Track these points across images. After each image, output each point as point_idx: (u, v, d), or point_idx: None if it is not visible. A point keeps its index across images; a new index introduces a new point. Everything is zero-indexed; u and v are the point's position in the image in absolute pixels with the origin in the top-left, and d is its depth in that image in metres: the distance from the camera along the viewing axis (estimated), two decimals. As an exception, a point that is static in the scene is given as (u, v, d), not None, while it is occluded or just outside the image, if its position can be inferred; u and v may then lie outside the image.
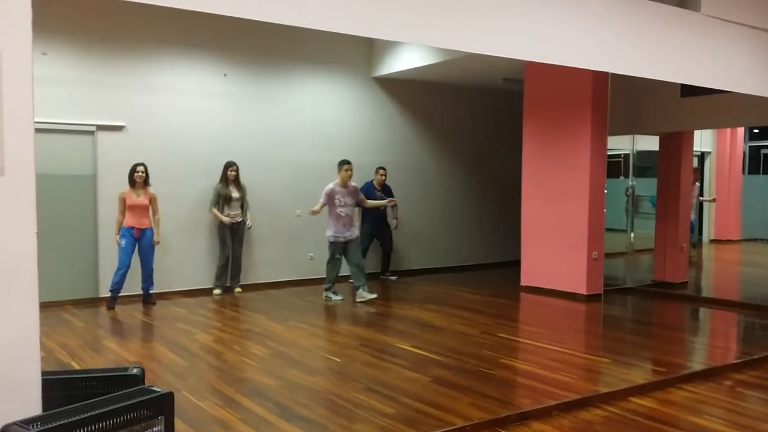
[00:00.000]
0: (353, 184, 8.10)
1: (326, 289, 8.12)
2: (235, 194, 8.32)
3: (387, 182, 9.50)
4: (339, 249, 7.98)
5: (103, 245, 7.79)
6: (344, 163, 8.00)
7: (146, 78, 8.11)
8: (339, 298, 8.04)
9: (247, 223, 8.51)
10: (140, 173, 7.48)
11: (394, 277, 9.74)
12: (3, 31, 2.25)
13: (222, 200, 8.25)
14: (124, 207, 7.46)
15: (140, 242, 7.55)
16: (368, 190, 9.14)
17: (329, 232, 7.93)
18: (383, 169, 9.45)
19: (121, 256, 7.45)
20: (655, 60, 4.73)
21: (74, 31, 7.63)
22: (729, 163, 13.15)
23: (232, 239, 8.40)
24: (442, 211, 10.47)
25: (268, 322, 6.86)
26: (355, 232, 8.12)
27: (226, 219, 8.22)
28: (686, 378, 4.99)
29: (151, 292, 7.73)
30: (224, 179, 8.29)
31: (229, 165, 8.31)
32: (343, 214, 7.88)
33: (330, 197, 7.84)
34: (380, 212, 9.37)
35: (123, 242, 7.43)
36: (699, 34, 4.97)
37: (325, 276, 8.17)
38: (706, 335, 7.23)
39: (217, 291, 8.36)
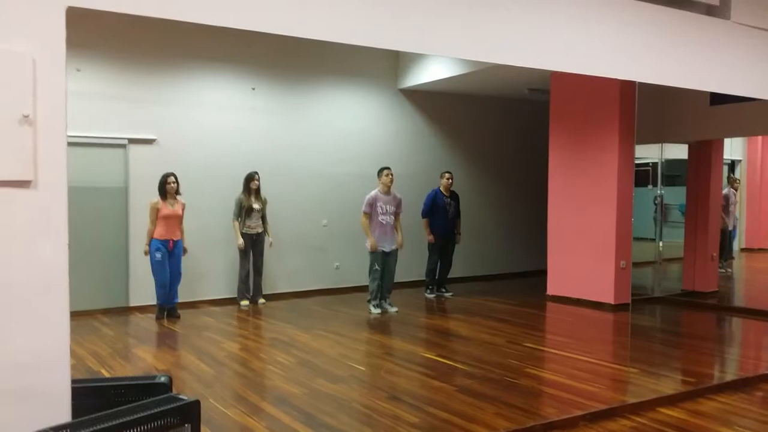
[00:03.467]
0: (398, 195, 7.98)
1: (368, 301, 7.98)
2: (257, 206, 8.27)
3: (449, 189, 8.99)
4: (378, 260, 7.79)
5: (134, 256, 7.91)
6: (384, 169, 7.88)
7: (176, 92, 8.26)
8: (378, 312, 7.83)
9: (269, 239, 8.46)
10: (172, 183, 7.41)
11: (449, 294, 9.09)
12: (38, 47, 2.33)
13: (244, 212, 8.23)
14: (156, 217, 7.35)
15: (172, 255, 7.46)
16: (436, 198, 8.82)
17: (369, 242, 7.79)
18: (449, 173, 8.98)
19: (159, 271, 7.37)
20: (684, 68, 4.69)
21: (107, 47, 7.79)
22: (760, 171, 12.95)
23: (252, 251, 8.41)
24: (469, 221, 10.43)
25: (293, 331, 6.91)
26: (394, 244, 7.91)
27: (240, 242, 8.17)
28: (717, 388, 4.92)
29: (175, 304, 7.60)
30: (246, 190, 8.26)
31: (251, 177, 8.26)
32: (384, 222, 7.74)
33: (372, 204, 7.73)
34: (448, 223, 8.90)
35: (159, 255, 7.33)
36: (729, 42, 4.92)
37: (349, 286, 8.11)
38: (737, 345, 7.11)
39: (244, 302, 8.37)
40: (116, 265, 7.96)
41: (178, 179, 7.51)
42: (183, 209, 7.55)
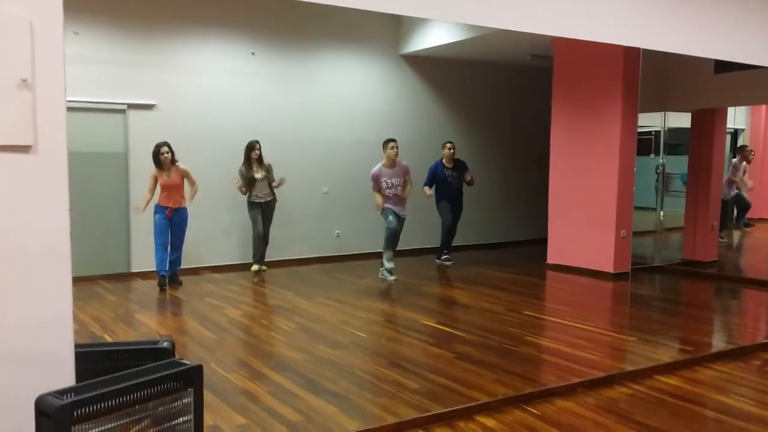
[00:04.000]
0: (404, 162, 7.93)
1: (385, 264, 7.97)
2: (259, 175, 8.18)
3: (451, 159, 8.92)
4: (388, 215, 7.78)
5: (135, 221, 7.92)
6: (389, 141, 7.80)
7: (176, 57, 8.18)
8: (391, 269, 7.88)
9: (284, 180, 8.30)
10: (165, 154, 7.26)
11: (450, 262, 9.08)
12: (35, 10, 2.29)
13: (248, 182, 8.15)
14: (155, 185, 7.29)
15: (173, 221, 7.41)
16: (437, 170, 8.78)
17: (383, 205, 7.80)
18: (451, 143, 8.88)
19: (156, 235, 7.34)
20: (689, 35, 4.63)
21: (105, 10, 7.70)
22: (764, 140, 12.87)
23: (262, 217, 8.36)
24: (470, 189, 10.43)
25: (295, 298, 6.94)
26: (404, 211, 7.93)
27: (238, 182, 8.11)
28: (714, 357, 4.95)
29: (177, 271, 7.58)
30: (247, 161, 8.17)
31: (251, 146, 8.14)
32: (390, 195, 7.77)
33: (376, 180, 7.74)
34: (452, 194, 8.89)
35: (156, 218, 7.33)
36: (734, 8, 4.84)
37: (350, 254, 8.10)
38: (736, 314, 7.14)
39: (255, 267, 8.36)
40: (117, 231, 7.98)
41: (172, 148, 7.35)
42: (185, 175, 7.43)
